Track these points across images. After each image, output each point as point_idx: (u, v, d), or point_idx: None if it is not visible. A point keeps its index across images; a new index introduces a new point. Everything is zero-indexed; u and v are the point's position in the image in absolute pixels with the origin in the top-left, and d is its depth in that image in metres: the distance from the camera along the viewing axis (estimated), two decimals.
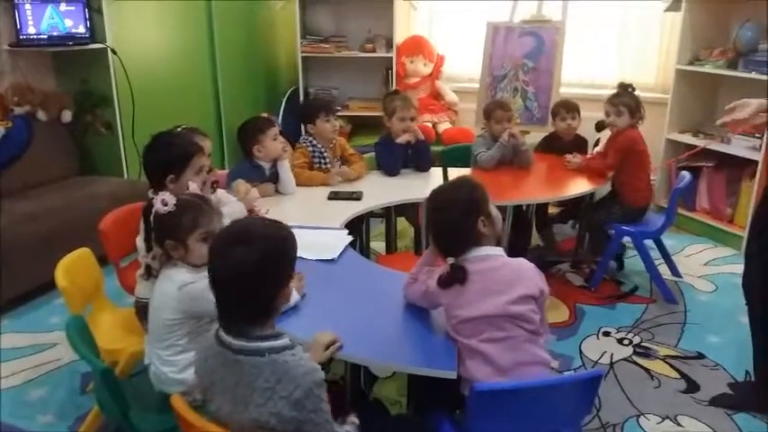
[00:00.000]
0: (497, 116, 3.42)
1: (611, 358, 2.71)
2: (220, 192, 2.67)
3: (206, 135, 2.57)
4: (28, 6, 3.54)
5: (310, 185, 3.04)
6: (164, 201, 1.70)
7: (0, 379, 2.54)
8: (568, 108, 3.63)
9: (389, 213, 3.39)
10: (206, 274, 1.75)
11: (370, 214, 3.47)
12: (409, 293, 1.86)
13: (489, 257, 1.69)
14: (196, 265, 1.74)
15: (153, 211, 1.72)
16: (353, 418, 1.49)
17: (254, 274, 1.30)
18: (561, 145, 3.63)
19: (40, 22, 3.57)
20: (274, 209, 2.74)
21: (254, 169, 2.94)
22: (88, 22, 3.64)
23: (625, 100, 3.21)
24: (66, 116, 3.81)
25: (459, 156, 3.67)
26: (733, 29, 3.91)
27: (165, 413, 1.77)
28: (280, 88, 5.26)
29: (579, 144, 3.60)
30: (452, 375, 1.56)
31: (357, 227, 3.42)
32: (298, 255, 2.17)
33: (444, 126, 4.98)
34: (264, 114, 4.47)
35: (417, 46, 5.06)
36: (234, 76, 4.70)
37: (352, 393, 1.95)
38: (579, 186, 3.27)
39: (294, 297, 1.85)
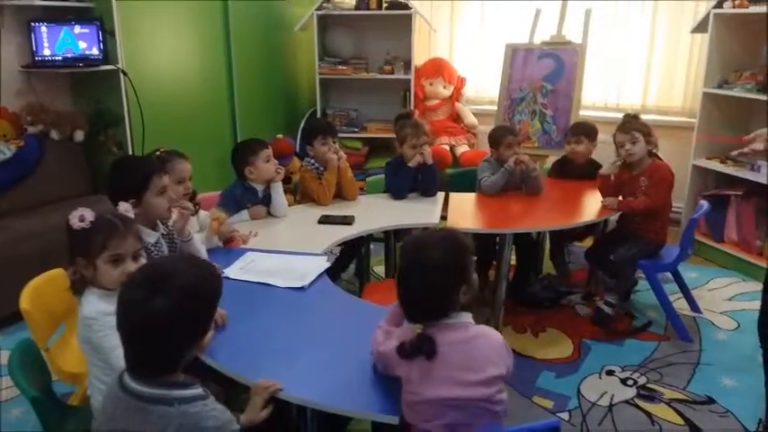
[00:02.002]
0: (508, 142, 3.29)
1: (611, 400, 2.52)
2: (203, 213, 2.65)
3: (185, 157, 2.53)
4: (44, 29, 3.64)
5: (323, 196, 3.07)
6: (81, 216, 1.65)
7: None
8: (574, 131, 3.48)
9: (389, 237, 3.30)
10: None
11: (371, 238, 3.41)
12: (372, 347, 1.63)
13: (460, 326, 1.47)
14: (108, 288, 1.66)
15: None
16: None
17: (168, 327, 1.21)
18: (573, 169, 3.47)
19: (55, 44, 3.67)
20: (263, 231, 2.69)
21: (246, 191, 2.90)
22: (101, 44, 3.71)
23: (636, 125, 3.03)
24: (79, 135, 3.88)
25: (466, 180, 3.56)
26: (762, 51, 3.69)
27: None
28: (299, 110, 5.26)
29: (592, 168, 3.43)
30: (395, 420, 1.44)
31: (357, 250, 3.38)
32: (267, 281, 2.16)
33: (462, 149, 4.86)
34: (280, 135, 4.53)
35: (437, 68, 4.99)
36: (251, 98, 4.72)
37: None
38: (590, 214, 3.11)
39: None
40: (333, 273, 3.39)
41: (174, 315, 1.20)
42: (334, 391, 1.55)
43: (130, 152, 3.86)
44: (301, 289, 2.12)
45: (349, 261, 3.48)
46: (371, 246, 3.44)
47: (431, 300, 1.47)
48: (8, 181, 3.49)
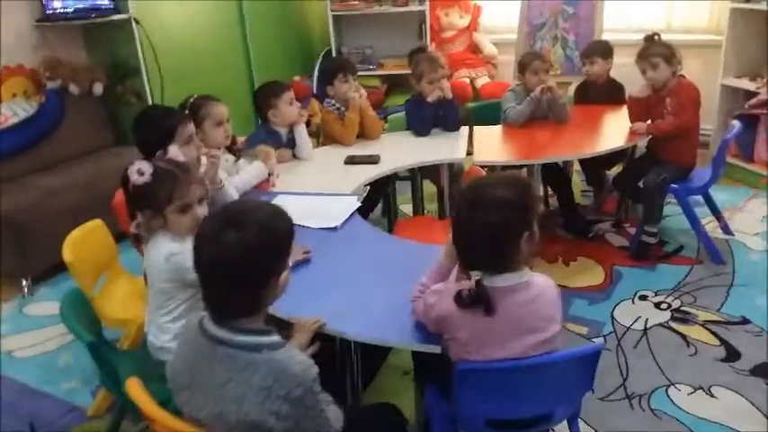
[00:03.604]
0: (535, 67, 3.20)
1: (646, 324, 2.55)
2: (243, 162, 2.65)
3: (219, 100, 2.51)
4: None
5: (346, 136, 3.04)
6: (140, 170, 1.65)
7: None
8: (586, 53, 3.42)
9: (415, 176, 3.29)
10: (189, 244, 1.74)
11: (396, 177, 3.39)
12: (416, 309, 1.54)
13: (521, 287, 1.38)
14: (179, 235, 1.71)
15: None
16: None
17: (242, 262, 1.19)
18: (595, 92, 3.40)
19: None
20: (290, 174, 2.69)
21: (270, 135, 2.88)
22: None
23: (656, 50, 2.92)
24: (98, 88, 3.85)
25: (490, 113, 3.49)
26: None
27: (163, 383, 1.79)
28: (313, 51, 5.16)
29: (614, 89, 3.34)
30: (436, 350, 1.47)
31: (383, 190, 3.37)
32: (299, 223, 2.17)
33: (483, 81, 4.76)
34: (296, 77, 4.44)
35: None
36: (265, 41, 4.64)
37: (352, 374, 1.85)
38: (618, 139, 3.06)
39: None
40: (361, 213, 3.44)
41: (248, 249, 1.19)
42: (375, 324, 1.59)
43: (150, 102, 3.84)
44: (334, 229, 2.13)
45: (376, 201, 3.48)
46: (396, 184, 3.43)
47: (493, 242, 1.35)
48: (33, 138, 3.51)
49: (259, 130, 2.91)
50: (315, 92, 4.73)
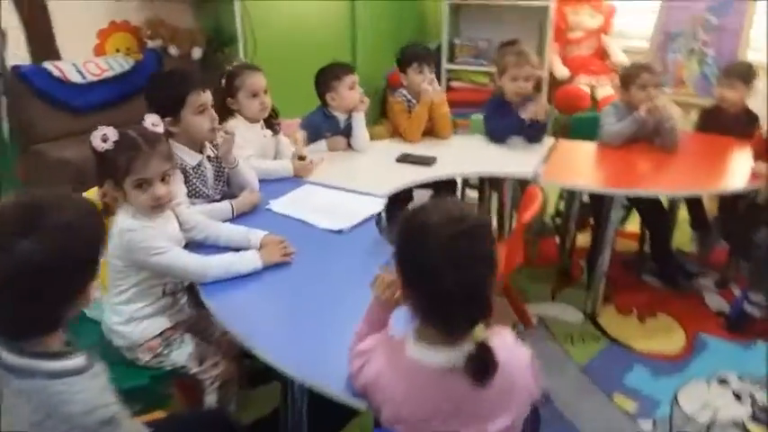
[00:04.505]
0: (643, 80, 2.69)
1: (715, 416, 2.02)
2: (284, 140, 2.49)
3: (257, 69, 2.37)
4: None
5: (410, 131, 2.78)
6: (104, 136, 1.51)
7: None
8: (727, 73, 2.83)
9: (483, 186, 2.94)
10: (151, 223, 1.59)
11: (467, 184, 3.08)
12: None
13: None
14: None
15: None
16: None
17: (39, 275, 0.98)
18: (724, 121, 2.81)
19: None
20: (335, 164, 2.48)
21: (326, 119, 2.69)
22: None
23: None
24: (197, 53, 3.87)
25: (594, 126, 3.01)
26: None
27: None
28: (427, 39, 4.87)
29: (747, 120, 2.74)
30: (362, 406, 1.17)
31: (451, 197, 3.06)
32: (306, 219, 1.95)
33: (605, 92, 4.20)
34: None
35: None
36: (373, 24, 4.43)
37: None
38: (736, 180, 2.48)
39: (254, 263, 1.60)
40: None
41: (44, 260, 0.98)
42: (318, 361, 1.31)
43: None
44: (339, 232, 1.88)
45: None
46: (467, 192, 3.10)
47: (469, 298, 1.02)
48: (124, 94, 3.60)
49: (316, 113, 2.72)
50: None
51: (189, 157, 1.98)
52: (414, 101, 2.81)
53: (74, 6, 3.46)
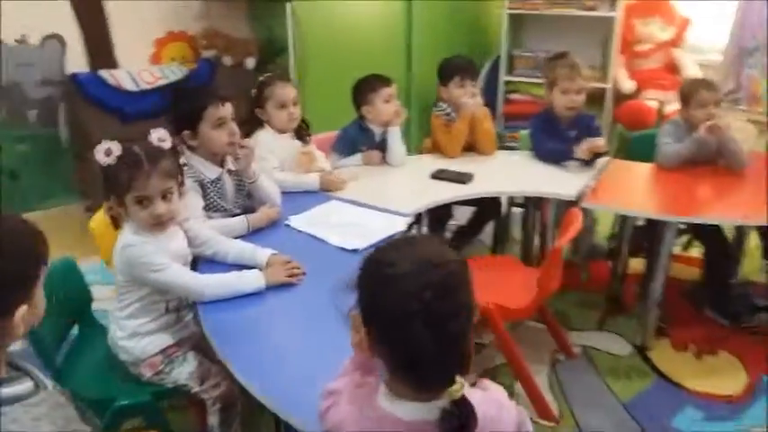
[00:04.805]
0: (702, 98, 2.47)
1: None
2: (318, 152, 2.44)
3: (287, 80, 2.36)
4: None
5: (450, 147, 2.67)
6: (107, 150, 1.49)
7: None
8: None
9: (528, 206, 2.77)
10: (152, 239, 1.55)
11: (512, 202, 2.93)
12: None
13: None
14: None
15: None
16: None
17: None
18: None
19: None
20: (367, 178, 2.40)
21: (362, 132, 2.62)
22: None
23: None
24: (250, 63, 3.91)
25: (652, 146, 2.77)
26: None
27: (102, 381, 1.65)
28: (484, 54, 4.71)
29: None
30: None
31: (497, 217, 2.95)
32: (322, 237, 1.88)
33: (672, 108, 3.92)
34: None
35: (654, 4, 4.04)
36: (431, 36, 4.32)
37: None
38: None
39: (257, 282, 1.54)
40: (462, 236, 3.02)
41: None
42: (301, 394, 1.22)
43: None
44: (354, 251, 1.79)
45: (482, 224, 3.02)
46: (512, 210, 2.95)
47: (447, 354, 0.89)
48: None
49: (353, 126, 2.65)
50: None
51: (208, 171, 1.96)
52: (453, 114, 2.69)
53: (132, 16, 3.56)
